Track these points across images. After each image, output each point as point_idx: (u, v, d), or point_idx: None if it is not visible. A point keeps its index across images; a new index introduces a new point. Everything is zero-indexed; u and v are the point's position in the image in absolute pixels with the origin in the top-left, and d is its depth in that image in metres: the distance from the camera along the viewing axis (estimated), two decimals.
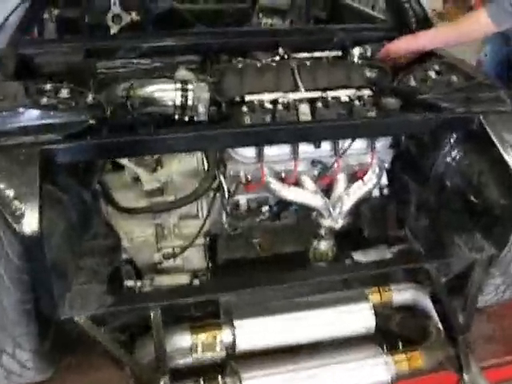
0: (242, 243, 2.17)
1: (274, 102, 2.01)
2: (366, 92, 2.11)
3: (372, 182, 2.09)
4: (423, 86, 2.08)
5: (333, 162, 2.03)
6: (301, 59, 2.27)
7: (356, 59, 2.38)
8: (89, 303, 1.63)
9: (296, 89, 2.10)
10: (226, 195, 2.03)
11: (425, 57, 2.38)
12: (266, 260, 2.22)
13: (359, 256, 2.15)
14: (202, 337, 1.73)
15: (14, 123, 1.65)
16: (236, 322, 1.74)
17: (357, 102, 2.03)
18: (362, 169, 2.08)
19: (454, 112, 1.95)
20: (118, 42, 2.40)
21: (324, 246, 2.14)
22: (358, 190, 2.07)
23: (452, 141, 2.05)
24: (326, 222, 2.05)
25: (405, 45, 2.40)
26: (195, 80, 2.12)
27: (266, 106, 1.98)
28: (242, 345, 1.74)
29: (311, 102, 2.04)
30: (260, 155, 1.93)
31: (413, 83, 2.10)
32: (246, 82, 2.09)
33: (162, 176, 2.10)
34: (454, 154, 2.06)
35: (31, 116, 1.68)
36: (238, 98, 2.04)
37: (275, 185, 1.98)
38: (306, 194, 2.02)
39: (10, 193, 1.48)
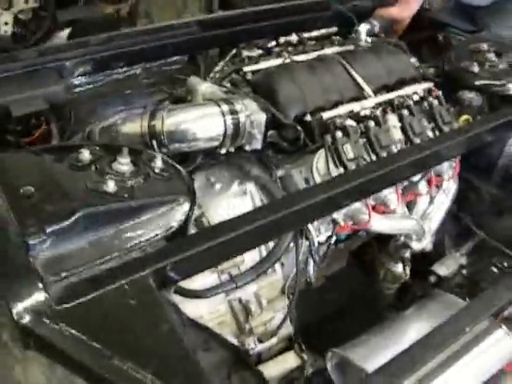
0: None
1: (354, 117, 1.60)
2: (429, 85, 1.80)
3: (452, 192, 1.82)
4: (490, 73, 1.82)
5: (421, 175, 1.71)
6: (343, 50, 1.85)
7: (364, 37, 2.03)
8: None
9: (361, 93, 1.70)
10: (316, 242, 1.59)
11: (422, 23, 2.16)
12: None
13: (440, 269, 1.89)
14: None
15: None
16: None
17: (434, 102, 1.71)
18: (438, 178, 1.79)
19: None
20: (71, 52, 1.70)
21: (400, 268, 1.85)
22: (442, 203, 1.79)
23: None
24: (417, 245, 1.75)
25: (401, 11, 2.14)
26: (237, 96, 1.59)
27: (348, 124, 1.56)
28: None
29: (384, 108, 1.66)
30: None
31: (475, 69, 1.81)
32: (305, 92, 1.63)
33: None
34: None
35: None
36: (308, 117, 1.58)
37: (378, 221, 1.60)
38: (402, 221, 1.69)
39: None
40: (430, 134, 1.69)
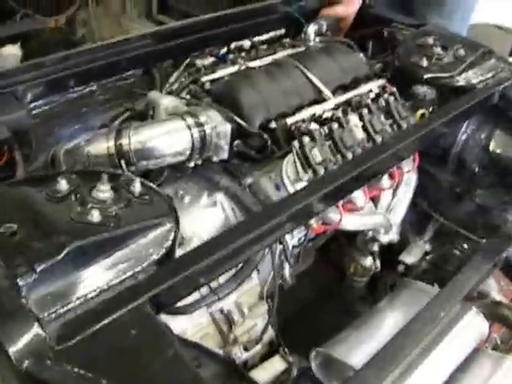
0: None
1: (317, 120, 1.64)
2: (382, 82, 1.85)
3: (413, 183, 1.88)
4: (438, 66, 1.89)
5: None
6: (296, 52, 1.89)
7: (313, 37, 2.07)
8: None
9: (320, 95, 1.73)
10: (290, 246, 1.62)
11: (366, 19, 2.22)
12: None
13: (407, 258, 1.96)
14: None
15: None
16: None
17: (390, 98, 1.77)
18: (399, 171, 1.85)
19: (484, 91, 1.83)
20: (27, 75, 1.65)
21: (369, 261, 1.91)
22: (404, 196, 1.85)
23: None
24: (385, 238, 1.81)
25: (345, 9, 2.20)
26: (199, 108, 1.60)
27: (313, 128, 1.59)
28: None
29: (344, 109, 1.71)
30: None
31: (424, 63, 1.88)
32: (267, 99, 1.65)
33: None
34: (468, 130, 1.96)
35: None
36: (273, 124, 1.60)
37: (348, 219, 1.64)
38: (370, 217, 1.74)
39: None
40: (389, 129, 1.74)
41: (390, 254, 1.97)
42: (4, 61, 2.40)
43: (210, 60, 1.90)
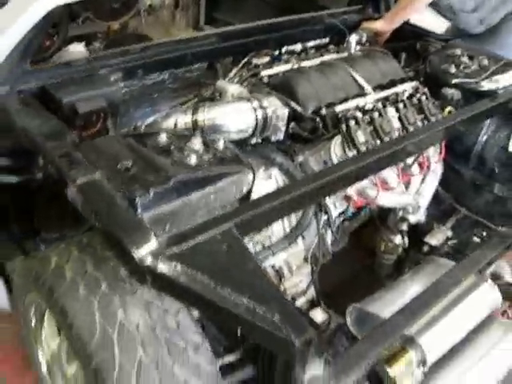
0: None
1: (360, 110, 1.91)
2: (415, 83, 2.13)
3: (439, 173, 2.15)
4: (465, 73, 2.16)
5: (413, 159, 2.02)
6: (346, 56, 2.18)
7: (354, 46, 2.35)
8: None
9: (363, 91, 2.01)
10: (333, 216, 1.88)
11: (402, 33, 2.50)
12: None
13: (431, 240, 2.21)
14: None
15: None
16: (420, 340, 1.68)
17: (422, 97, 2.04)
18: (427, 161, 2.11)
19: (504, 96, 2.09)
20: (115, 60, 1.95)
21: (399, 239, 2.16)
22: (432, 182, 2.11)
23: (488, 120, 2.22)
24: (413, 218, 2.07)
25: (384, 26, 2.47)
26: (261, 95, 1.88)
27: (357, 115, 1.87)
28: (431, 358, 1.69)
29: (383, 102, 1.98)
30: None
31: (453, 70, 2.16)
32: (317, 90, 1.93)
33: None
34: (489, 131, 2.23)
35: None
36: (324, 111, 1.88)
37: (383, 196, 1.91)
38: (402, 197, 2.00)
39: None
40: (420, 123, 2.01)
41: (415, 237, 2.22)
42: (70, 56, 2.67)
43: (265, 59, 2.18)
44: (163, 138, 1.43)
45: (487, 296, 1.92)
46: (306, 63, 2.13)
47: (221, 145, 1.46)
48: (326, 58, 2.20)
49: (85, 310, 1.31)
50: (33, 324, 1.71)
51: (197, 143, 1.42)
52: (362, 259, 2.43)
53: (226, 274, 1.19)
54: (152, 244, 1.18)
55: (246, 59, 2.18)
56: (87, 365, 1.28)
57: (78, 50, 2.78)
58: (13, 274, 1.73)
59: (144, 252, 1.16)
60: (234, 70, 2.16)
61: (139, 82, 2.02)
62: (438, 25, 2.67)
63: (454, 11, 2.48)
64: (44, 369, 1.77)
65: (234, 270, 1.21)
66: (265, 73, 2.04)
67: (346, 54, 2.27)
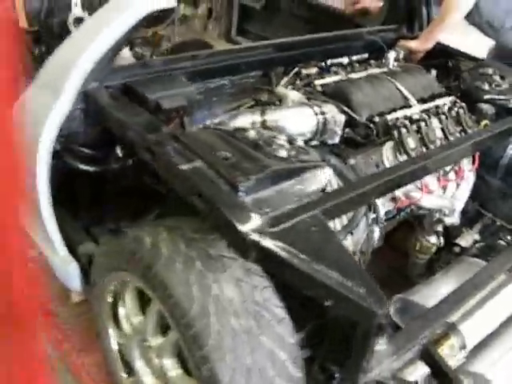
0: None
1: (408, 119, 2.10)
2: (453, 98, 2.33)
3: (471, 181, 2.34)
4: (496, 90, 2.37)
5: (451, 167, 2.22)
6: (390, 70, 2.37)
7: (392, 61, 2.55)
8: None
9: (408, 102, 2.20)
10: (382, 213, 2.06)
11: (434, 52, 2.70)
12: None
13: (462, 242, 2.40)
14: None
15: None
16: (460, 326, 1.85)
17: (460, 111, 2.24)
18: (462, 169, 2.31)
19: None
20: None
21: (434, 238, 2.35)
22: (465, 189, 2.31)
23: None
24: (449, 220, 2.26)
25: (419, 45, 2.67)
26: (319, 101, 2.06)
27: (407, 124, 2.06)
28: (470, 343, 1.86)
29: (427, 113, 2.18)
30: None
31: (486, 87, 2.37)
32: (369, 99, 2.12)
33: None
34: None
35: None
36: (376, 119, 2.07)
37: (425, 198, 2.10)
38: (441, 200, 2.19)
39: None
40: (458, 135, 2.21)
41: (446, 239, 2.41)
42: (120, 60, 2.83)
43: (313, 70, 2.37)
44: (252, 133, 1.60)
45: None
46: (353, 75, 2.32)
47: (300, 143, 1.64)
48: (371, 71, 2.39)
49: (183, 282, 1.46)
50: (109, 301, 1.85)
51: (282, 138, 1.59)
52: (391, 260, 2.61)
53: (318, 252, 1.36)
54: (256, 222, 1.35)
55: (295, 69, 2.37)
56: (187, 331, 1.44)
57: (125, 54, 2.95)
58: (93, 256, 1.88)
59: (249, 228, 1.33)
60: (286, 79, 2.34)
61: (204, 85, 2.19)
62: (479, 47, 2.86)
63: (495, 28, 2.67)
64: (114, 343, 1.92)
65: (324, 248, 1.39)
66: (318, 82, 2.22)
67: (386, 69, 2.46)
